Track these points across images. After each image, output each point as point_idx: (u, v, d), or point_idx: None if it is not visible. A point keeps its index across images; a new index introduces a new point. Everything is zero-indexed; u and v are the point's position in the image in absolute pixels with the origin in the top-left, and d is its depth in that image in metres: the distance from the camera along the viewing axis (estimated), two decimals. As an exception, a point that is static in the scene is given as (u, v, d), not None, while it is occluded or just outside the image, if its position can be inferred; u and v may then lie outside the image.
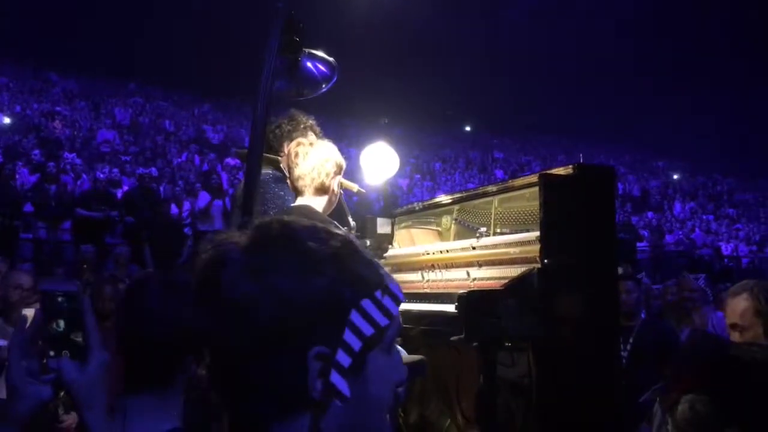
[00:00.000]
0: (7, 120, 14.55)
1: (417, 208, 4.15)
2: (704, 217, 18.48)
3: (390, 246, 4.06)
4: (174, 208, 10.76)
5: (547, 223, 2.85)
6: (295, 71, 2.14)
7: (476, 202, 3.54)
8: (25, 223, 9.17)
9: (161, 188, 11.56)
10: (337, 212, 3.38)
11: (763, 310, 2.34)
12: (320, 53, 2.20)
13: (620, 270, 7.37)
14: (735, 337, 2.41)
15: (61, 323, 1.12)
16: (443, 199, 3.88)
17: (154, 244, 9.29)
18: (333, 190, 2.77)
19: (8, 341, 1.17)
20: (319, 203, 2.74)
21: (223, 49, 19.95)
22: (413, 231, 4.06)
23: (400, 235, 4.12)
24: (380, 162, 4.01)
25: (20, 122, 14.76)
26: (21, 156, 11.97)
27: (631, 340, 4.58)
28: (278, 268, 0.84)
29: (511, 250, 3.06)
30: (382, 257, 3.97)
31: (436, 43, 25.39)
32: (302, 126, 3.22)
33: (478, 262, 3.27)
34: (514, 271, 2.94)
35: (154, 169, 12.90)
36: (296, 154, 2.76)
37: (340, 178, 2.84)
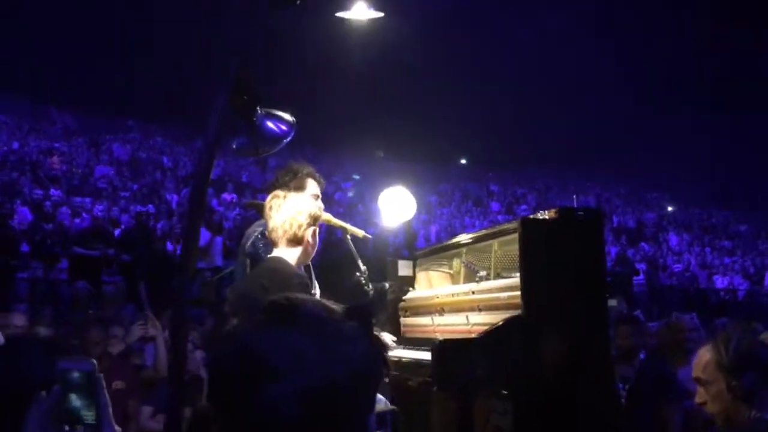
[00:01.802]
0: None
1: (434, 250, 4.17)
2: (699, 249, 18.53)
3: (411, 288, 4.07)
4: (170, 246, 10.78)
5: (528, 270, 2.83)
6: (251, 129, 2.22)
7: (480, 245, 3.54)
8: (21, 263, 9.17)
9: (158, 225, 11.58)
10: (348, 258, 3.44)
11: (725, 364, 2.16)
12: (277, 111, 2.27)
13: (614, 303, 7.37)
14: (700, 392, 2.25)
15: (77, 399, 1.17)
16: (453, 241, 3.90)
17: (150, 281, 9.28)
18: (308, 241, 2.81)
19: None
20: (292, 255, 2.79)
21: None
22: (430, 273, 4.07)
23: (420, 277, 4.13)
24: (397, 205, 4.07)
25: (18, 159, 14.82)
26: (18, 194, 12.00)
27: (630, 381, 4.59)
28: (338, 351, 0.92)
29: (501, 295, 3.06)
30: (402, 300, 4.00)
31: (431, 77, 25.68)
32: (300, 175, 3.28)
33: (478, 306, 3.27)
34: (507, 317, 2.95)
35: (151, 206, 12.93)
36: (270, 207, 2.83)
37: (317, 228, 2.88)
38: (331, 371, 0.89)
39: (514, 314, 2.85)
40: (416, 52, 24.14)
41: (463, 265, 3.70)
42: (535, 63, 26.41)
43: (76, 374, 1.17)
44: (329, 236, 10.86)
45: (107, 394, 1.20)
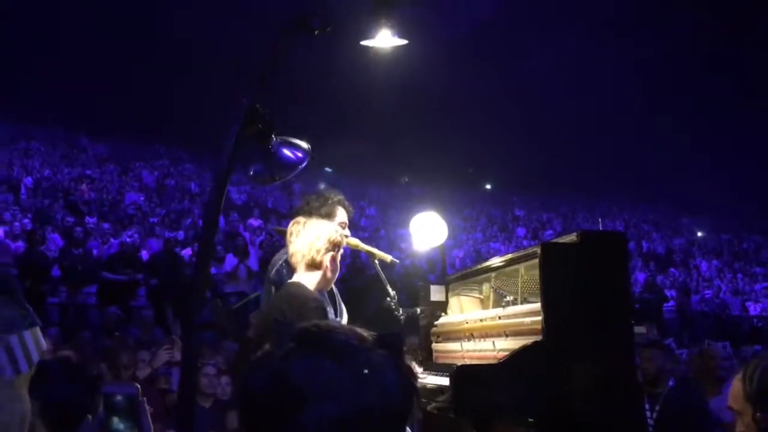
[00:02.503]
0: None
1: (464, 275, 4.10)
2: (730, 275, 18.15)
3: (443, 314, 4.05)
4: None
5: (548, 295, 2.78)
6: (267, 156, 2.29)
7: (507, 269, 3.49)
8: (52, 288, 9.34)
9: (186, 251, 11.71)
10: (376, 284, 3.44)
11: (751, 394, 2.05)
12: (292, 139, 2.34)
13: (643, 330, 7.25)
14: (738, 423, 2.22)
15: (119, 422, 1.20)
16: (482, 266, 3.85)
17: (177, 306, 9.38)
18: (326, 266, 2.85)
19: None
20: (311, 279, 2.83)
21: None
22: (462, 298, 4.03)
23: (453, 302, 4.10)
24: (428, 230, 4.08)
25: (50, 186, 15.18)
26: (50, 221, 12.26)
27: (657, 408, 4.49)
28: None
29: (525, 320, 3.02)
30: (434, 325, 3.98)
31: (455, 102, 25.77)
32: (329, 202, 3.31)
33: (505, 332, 3.22)
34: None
35: (181, 233, 13.10)
36: (290, 233, 2.93)
37: (336, 254, 2.90)
38: (361, 399, 0.89)
39: (531, 341, 2.81)
40: (440, 78, 24.28)
41: (492, 289, 3.66)
42: (561, 88, 26.35)
43: (119, 398, 1.21)
44: (354, 261, 10.88)
45: (149, 417, 1.23)
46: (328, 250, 2.85)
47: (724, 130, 25.59)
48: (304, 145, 2.39)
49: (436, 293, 4.08)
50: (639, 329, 7.04)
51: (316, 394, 0.88)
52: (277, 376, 0.91)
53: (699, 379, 4.92)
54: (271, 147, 2.28)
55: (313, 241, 2.84)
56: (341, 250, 2.99)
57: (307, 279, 2.83)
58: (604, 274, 2.86)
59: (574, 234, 2.90)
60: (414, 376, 0.98)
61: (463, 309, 3.97)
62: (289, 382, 0.90)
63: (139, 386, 1.23)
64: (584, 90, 26.17)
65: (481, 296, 3.83)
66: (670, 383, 4.64)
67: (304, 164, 2.36)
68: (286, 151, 2.35)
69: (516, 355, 2.76)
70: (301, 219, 2.99)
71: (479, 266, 3.89)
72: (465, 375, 2.76)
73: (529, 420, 2.83)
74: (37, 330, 0.89)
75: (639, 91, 25.62)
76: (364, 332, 0.98)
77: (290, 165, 2.35)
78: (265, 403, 0.91)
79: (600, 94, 25.73)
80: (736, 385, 2.21)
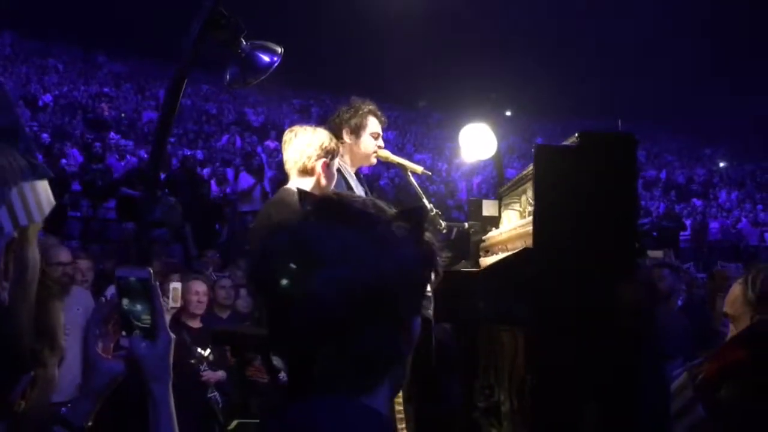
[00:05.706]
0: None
1: (509, 186, 3.97)
2: (750, 206, 17.93)
3: (494, 229, 4.00)
4: (214, 189, 10.96)
5: (540, 202, 2.62)
6: (239, 61, 2.30)
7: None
8: (72, 202, 9.45)
9: (205, 171, 11.76)
10: (412, 197, 3.41)
11: (752, 299, 2.03)
12: (263, 42, 2.33)
13: (661, 254, 7.23)
14: (731, 329, 2.14)
15: (133, 304, 1.21)
16: (520, 175, 3.71)
17: (195, 223, 9.48)
18: (319, 173, 2.85)
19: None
20: (304, 186, 2.81)
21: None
22: (508, 212, 3.93)
23: (503, 216, 3.99)
24: (478, 142, 4.02)
25: (68, 103, 15.16)
26: (69, 137, 12.30)
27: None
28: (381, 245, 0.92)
29: (530, 228, 2.95)
30: (482, 240, 3.97)
31: (476, 26, 25.09)
32: (361, 112, 3.27)
33: (525, 242, 3.15)
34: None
35: (199, 151, 13.12)
36: (284, 141, 2.93)
37: (329, 162, 2.89)
38: (376, 267, 0.89)
39: (520, 249, 2.72)
40: (463, 2, 23.57)
41: (528, 201, 3.60)
42: (584, 14, 25.50)
43: (132, 280, 1.21)
44: (371, 185, 10.84)
45: (161, 301, 1.23)
46: (320, 157, 2.84)
47: (749, 58, 24.76)
48: (276, 47, 2.38)
49: (488, 208, 4.00)
50: (657, 253, 7.05)
51: (331, 258, 0.88)
52: (293, 238, 0.91)
53: (713, 299, 4.92)
54: (241, 52, 2.28)
55: (304, 148, 2.84)
56: (336, 158, 2.96)
57: (299, 185, 2.80)
58: (606, 179, 2.63)
59: (575, 135, 2.66)
60: (434, 252, 0.98)
61: (509, 223, 3.91)
62: (304, 243, 0.90)
63: (151, 270, 1.22)
64: (608, 14, 25.33)
65: (521, 208, 3.78)
66: (679, 303, 4.66)
67: (275, 66, 2.36)
68: (260, 55, 2.34)
69: (500, 264, 2.68)
70: (296, 128, 2.97)
71: (519, 176, 3.77)
72: (445, 283, 2.58)
73: (513, 329, 2.80)
74: (46, 183, 0.89)
75: (668, 16, 24.74)
76: (385, 205, 0.98)
77: (262, 68, 2.35)
78: (279, 264, 0.91)
79: (625, 18, 24.89)
80: (734, 291, 2.17)
